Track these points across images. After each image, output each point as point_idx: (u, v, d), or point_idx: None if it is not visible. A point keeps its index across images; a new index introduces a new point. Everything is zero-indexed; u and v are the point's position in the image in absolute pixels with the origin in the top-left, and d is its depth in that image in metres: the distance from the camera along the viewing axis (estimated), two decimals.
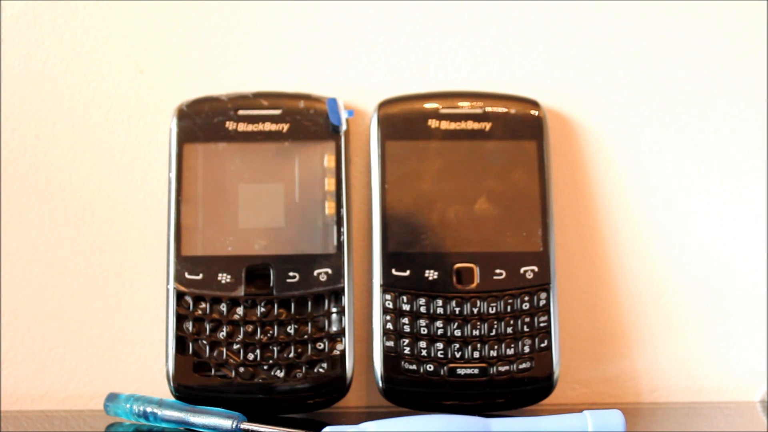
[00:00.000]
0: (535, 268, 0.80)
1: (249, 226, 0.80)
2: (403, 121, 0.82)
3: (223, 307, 0.79)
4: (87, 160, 0.84)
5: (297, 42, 0.85)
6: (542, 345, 0.79)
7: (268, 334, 0.79)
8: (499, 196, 0.81)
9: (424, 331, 0.79)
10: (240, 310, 0.79)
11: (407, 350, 0.79)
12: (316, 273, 0.79)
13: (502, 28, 0.85)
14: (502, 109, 0.83)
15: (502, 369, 0.79)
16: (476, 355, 0.79)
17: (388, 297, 0.79)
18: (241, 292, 0.79)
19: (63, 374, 0.84)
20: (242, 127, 0.82)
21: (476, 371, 0.79)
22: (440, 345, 0.79)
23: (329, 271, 0.79)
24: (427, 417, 0.71)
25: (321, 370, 0.79)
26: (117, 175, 0.84)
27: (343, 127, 0.82)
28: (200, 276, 0.79)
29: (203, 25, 0.84)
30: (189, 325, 0.79)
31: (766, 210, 0.85)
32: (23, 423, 0.80)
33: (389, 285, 0.80)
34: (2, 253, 0.84)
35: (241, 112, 0.82)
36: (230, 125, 0.82)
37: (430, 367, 0.79)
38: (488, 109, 0.83)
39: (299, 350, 0.79)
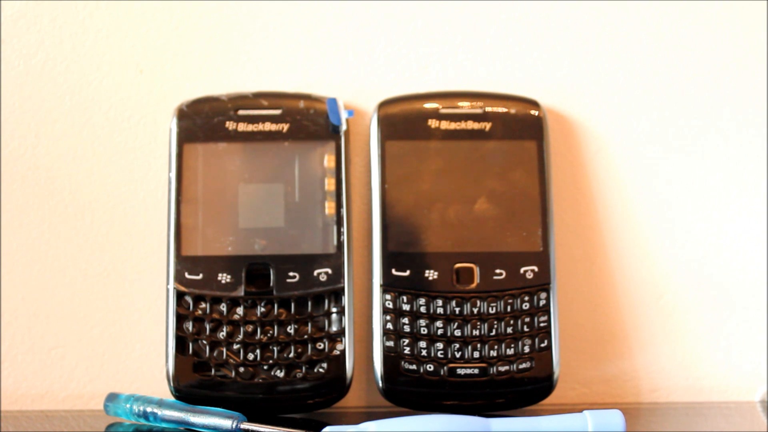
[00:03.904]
0: (535, 268, 0.80)
1: (249, 226, 0.80)
2: (403, 121, 0.82)
3: (223, 307, 0.79)
4: (87, 160, 0.84)
5: (297, 42, 0.85)
6: (542, 345, 0.79)
7: (268, 334, 0.79)
8: (499, 196, 0.81)
9: (424, 331, 0.79)
10: (240, 310, 0.79)
11: (407, 350, 0.79)
12: (316, 273, 0.79)
13: (502, 28, 0.85)
14: (502, 109, 0.83)
15: (502, 369, 0.79)
16: (476, 355, 0.79)
17: (388, 297, 0.79)
18: (241, 292, 0.79)
19: (63, 374, 0.84)
20: (242, 127, 0.82)
21: (476, 371, 0.79)
22: (440, 345, 0.79)
23: (329, 271, 0.80)
24: (427, 417, 0.71)
25: (321, 370, 0.79)
26: (117, 175, 0.84)
27: (343, 127, 0.82)
28: (200, 276, 0.79)
29: (203, 25, 0.85)
30: (189, 325, 0.79)
31: (766, 210, 0.85)
32: (23, 423, 0.80)
33: (389, 285, 0.80)
34: (2, 253, 0.84)
35: (241, 112, 0.82)
36: (230, 125, 0.82)
37: (430, 367, 0.79)
38: (488, 109, 0.83)
39: (299, 350, 0.79)
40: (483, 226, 0.81)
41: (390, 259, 0.80)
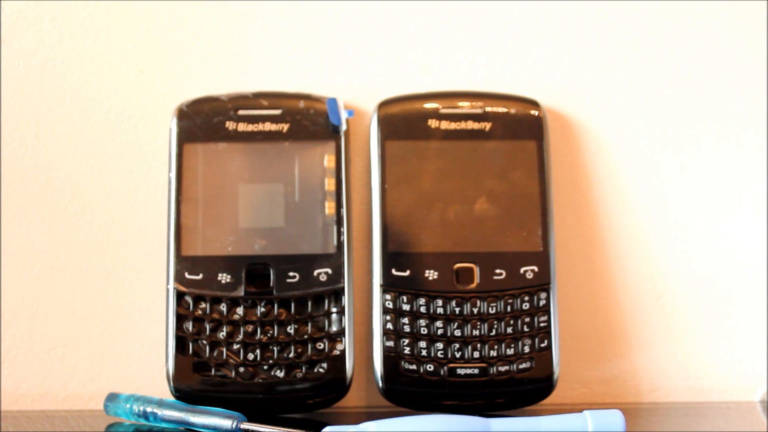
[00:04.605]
0: (535, 268, 0.80)
1: (249, 226, 0.80)
2: (403, 121, 0.82)
3: (223, 307, 0.79)
4: (87, 160, 0.84)
5: (297, 42, 0.85)
6: (542, 345, 0.79)
7: (268, 334, 0.79)
8: (499, 196, 0.81)
9: (424, 331, 0.79)
10: (240, 310, 0.79)
11: (407, 350, 0.79)
12: (316, 273, 0.79)
13: (502, 28, 0.85)
14: (502, 109, 0.83)
15: (502, 369, 0.79)
16: (476, 355, 0.79)
17: (388, 297, 0.79)
18: (241, 292, 0.79)
19: (63, 374, 0.84)
20: (242, 127, 0.82)
21: (476, 371, 0.79)
22: (440, 345, 0.79)
23: (329, 271, 0.80)
24: (427, 417, 0.71)
25: (321, 370, 0.79)
26: (117, 175, 0.84)
27: (343, 127, 0.82)
28: (200, 276, 0.79)
29: (203, 25, 0.85)
30: (189, 325, 0.79)
31: (766, 210, 0.85)
32: (23, 423, 0.80)
33: (389, 285, 0.80)
34: (2, 253, 0.84)
35: (241, 112, 0.82)
36: (230, 125, 0.82)
37: (430, 367, 0.79)
38: (488, 109, 0.83)
39: (299, 350, 0.79)
40: (483, 226, 0.81)
41: (390, 259, 0.80)
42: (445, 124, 0.82)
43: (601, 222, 0.85)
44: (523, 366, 0.79)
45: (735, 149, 0.85)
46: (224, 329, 0.79)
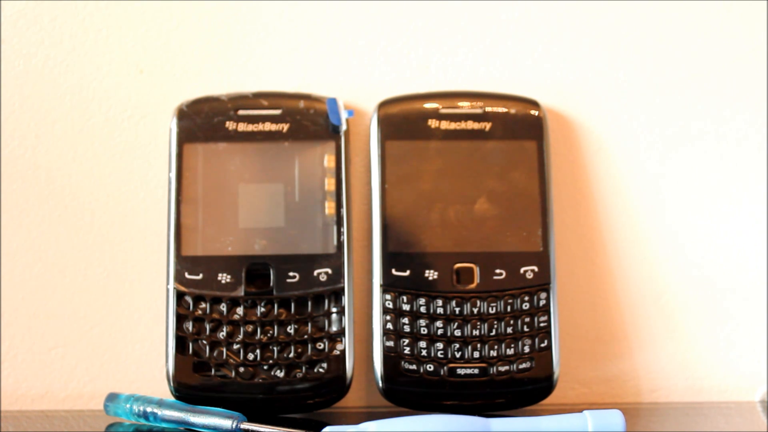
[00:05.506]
0: (535, 268, 0.80)
1: (249, 226, 0.80)
2: (403, 121, 0.82)
3: (223, 307, 0.79)
4: (87, 160, 0.84)
5: (297, 42, 0.85)
6: (542, 345, 0.79)
7: (268, 334, 0.79)
8: (499, 196, 0.81)
9: (424, 331, 0.79)
10: (240, 310, 0.79)
11: (407, 350, 0.79)
12: (316, 273, 0.79)
13: (502, 28, 0.85)
14: (502, 109, 0.83)
15: (502, 369, 0.79)
16: (476, 355, 0.79)
17: (388, 297, 0.80)
18: (241, 292, 0.79)
19: (63, 374, 0.84)
20: (242, 127, 0.82)
21: (476, 371, 0.79)
22: (440, 345, 0.79)
23: (329, 271, 0.80)
24: (427, 417, 0.71)
25: (321, 370, 0.79)
26: (117, 175, 0.84)
27: (343, 127, 0.82)
28: (200, 276, 0.79)
29: (203, 25, 0.85)
30: (189, 325, 0.79)
31: (766, 210, 0.85)
32: (23, 423, 0.80)
33: (389, 285, 0.80)
34: (2, 253, 0.84)
35: (241, 112, 0.82)
36: (230, 125, 0.82)
37: (430, 367, 0.79)
38: (488, 109, 0.83)
39: (299, 350, 0.79)
40: (483, 226, 0.81)
41: (390, 259, 0.80)
42: (445, 124, 0.82)
43: (601, 222, 0.85)
44: (523, 366, 0.79)
45: (735, 149, 0.85)
46: (224, 329, 0.79)
